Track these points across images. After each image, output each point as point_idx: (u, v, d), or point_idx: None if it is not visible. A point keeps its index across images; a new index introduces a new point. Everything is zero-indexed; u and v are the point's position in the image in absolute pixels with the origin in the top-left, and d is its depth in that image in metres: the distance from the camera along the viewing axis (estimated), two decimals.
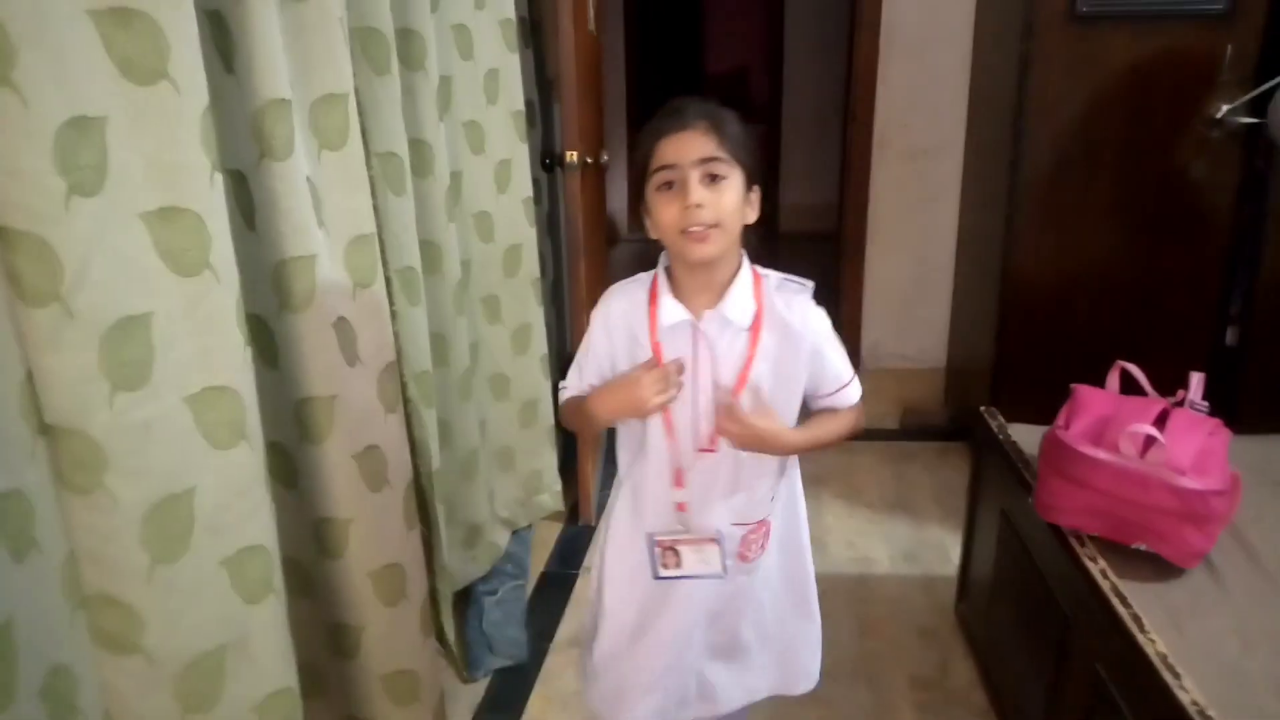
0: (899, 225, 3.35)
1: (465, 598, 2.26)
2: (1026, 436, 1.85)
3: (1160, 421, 1.44)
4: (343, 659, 1.58)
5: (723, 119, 1.18)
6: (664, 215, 1.18)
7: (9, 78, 0.87)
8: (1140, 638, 1.25)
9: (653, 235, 1.23)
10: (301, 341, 1.37)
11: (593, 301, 1.37)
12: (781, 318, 1.26)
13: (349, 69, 1.41)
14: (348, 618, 1.55)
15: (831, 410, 1.36)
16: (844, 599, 2.35)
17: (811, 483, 2.94)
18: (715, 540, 1.30)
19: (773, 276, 1.29)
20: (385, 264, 1.61)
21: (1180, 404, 1.50)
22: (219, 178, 1.11)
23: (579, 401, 1.34)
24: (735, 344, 1.26)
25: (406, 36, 1.78)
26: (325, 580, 1.52)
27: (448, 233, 2.01)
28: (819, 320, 1.30)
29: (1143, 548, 1.42)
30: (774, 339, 1.26)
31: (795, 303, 1.27)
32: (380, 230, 1.58)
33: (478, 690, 2.06)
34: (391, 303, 1.61)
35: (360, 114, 1.49)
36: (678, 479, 1.30)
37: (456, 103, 2.11)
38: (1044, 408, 1.67)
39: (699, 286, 1.25)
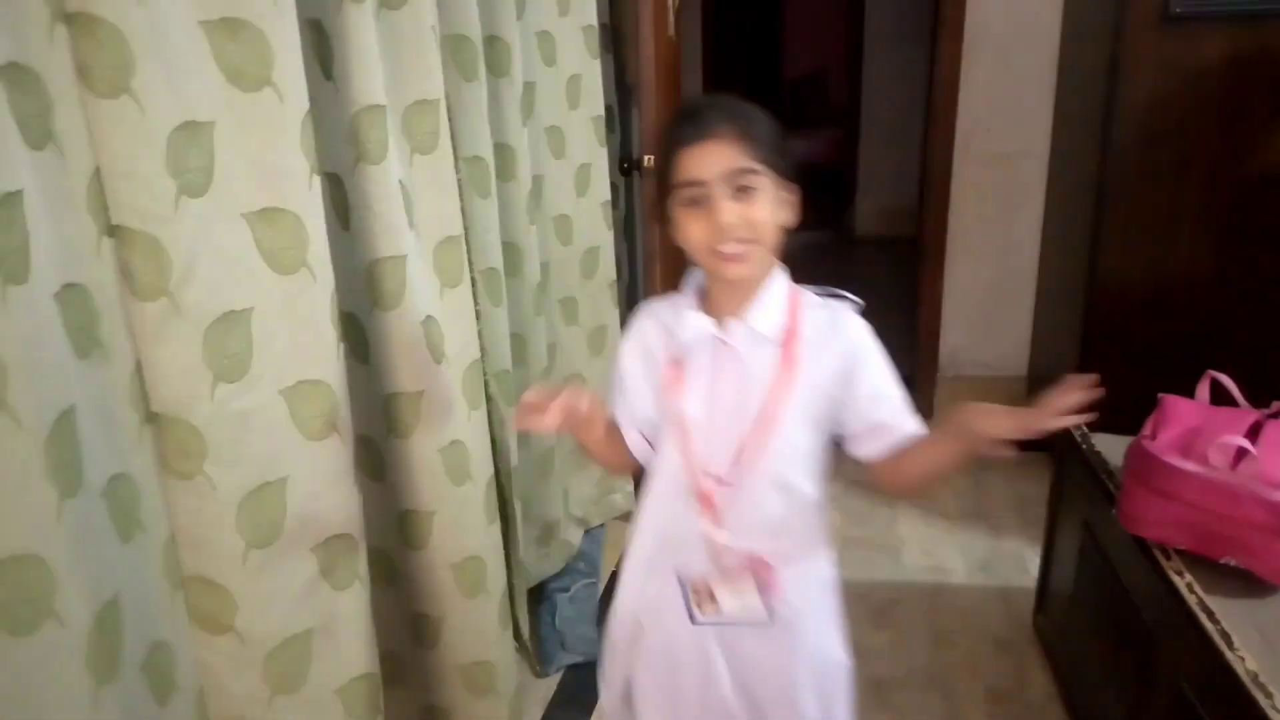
0: (980, 230, 3.29)
1: (538, 594, 2.30)
2: (1110, 447, 1.80)
3: (1253, 434, 1.40)
4: (423, 649, 1.63)
5: (750, 120, 1.05)
6: (693, 233, 1.05)
7: (129, 86, 0.93)
8: (1229, 655, 1.21)
9: (679, 244, 1.10)
10: (391, 338, 1.42)
11: None
12: (824, 331, 1.11)
13: (440, 75, 1.46)
14: (429, 608, 1.59)
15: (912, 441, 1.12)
16: (918, 608, 2.32)
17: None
18: (754, 574, 1.12)
19: (812, 291, 1.15)
20: (470, 265, 1.65)
21: (1275, 415, 1.45)
22: (317, 180, 1.16)
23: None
24: (765, 362, 1.10)
25: (493, 44, 1.82)
26: (408, 571, 1.57)
27: (529, 235, 2.05)
28: (865, 333, 1.13)
29: (1232, 562, 1.38)
30: (819, 357, 1.10)
31: (840, 314, 1.13)
32: (466, 232, 1.62)
33: (550, 685, 2.09)
34: (475, 302, 1.65)
35: (449, 119, 1.53)
36: (715, 516, 1.12)
37: (539, 108, 2.15)
38: (1129, 418, 1.63)
39: (727, 298, 1.11)
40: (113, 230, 0.98)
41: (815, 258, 6.68)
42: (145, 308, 1.00)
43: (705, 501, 1.12)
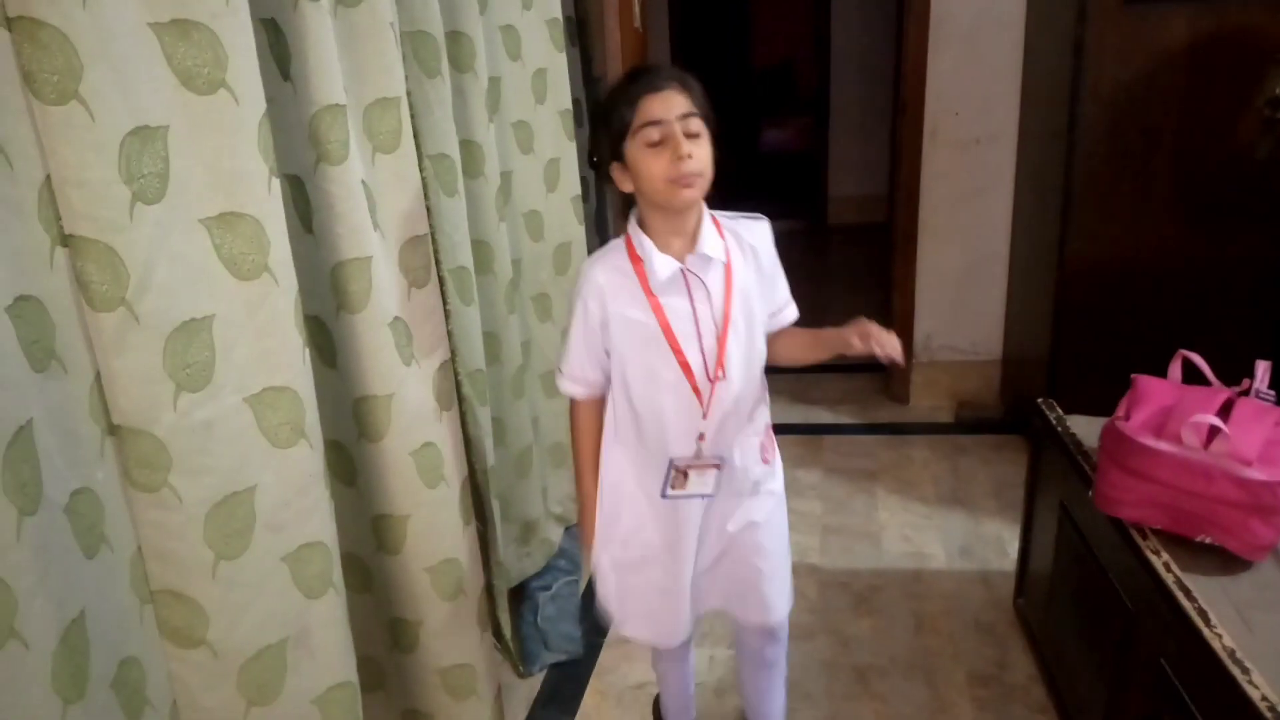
0: (951, 216, 3.30)
1: (520, 594, 2.28)
2: (1086, 428, 1.81)
3: (1225, 412, 1.40)
4: (401, 653, 1.61)
5: (689, 80, 1.30)
6: (654, 168, 1.27)
7: (77, 92, 0.90)
8: (1206, 632, 1.22)
9: (626, 189, 1.34)
10: (359, 341, 1.40)
11: None
12: (746, 243, 1.40)
13: (401, 73, 1.44)
14: (406, 613, 1.57)
15: (790, 327, 1.51)
16: (900, 594, 2.33)
17: (864, 478, 2.94)
18: (718, 465, 1.42)
19: (724, 214, 1.42)
20: (439, 264, 1.64)
21: (1246, 393, 1.46)
22: (276, 183, 1.14)
23: (581, 436, 1.51)
24: (717, 279, 1.37)
25: (456, 39, 1.80)
26: (384, 576, 1.55)
27: (499, 232, 2.03)
28: (768, 238, 1.44)
29: (1207, 540, 1.39)
30: (744, 266, 1.39)
31: (752, 228, 1.42)
32: (433, 231, 1.61)
33: (533, 685, 2.08)
34: (445, 302, 1.64)
35: (412, 116, 1.51)
36: (705, 411, 1.38)
37: (505, 103, 2.13)
38: (1103, 399, 1.64)
39: (673, 232, 1.35)
40: (66, 240, 0.95)
41: (788, 247, 6.72)
42: (103, 318, 0.98)
43: (700, 398, 1.38)
